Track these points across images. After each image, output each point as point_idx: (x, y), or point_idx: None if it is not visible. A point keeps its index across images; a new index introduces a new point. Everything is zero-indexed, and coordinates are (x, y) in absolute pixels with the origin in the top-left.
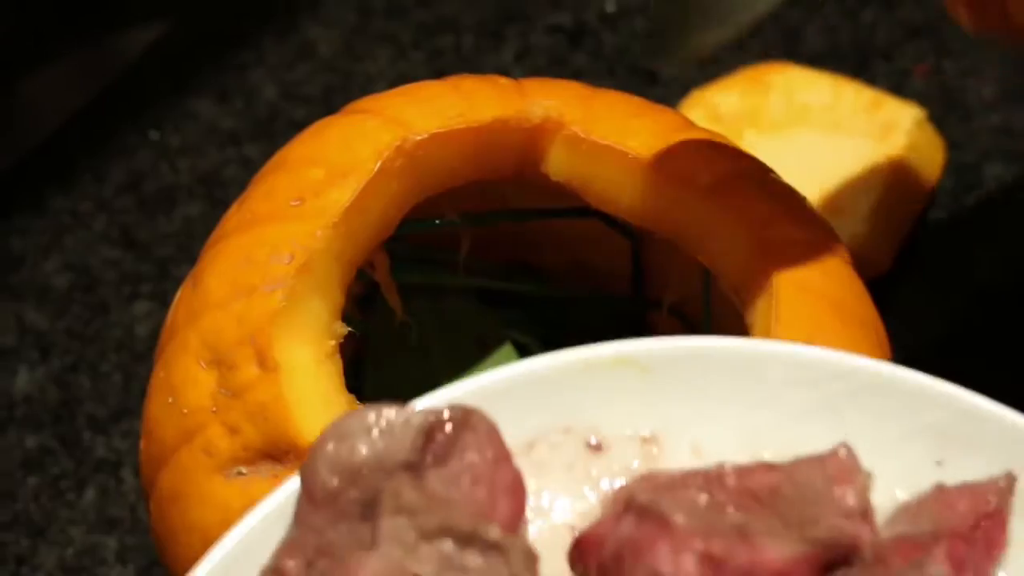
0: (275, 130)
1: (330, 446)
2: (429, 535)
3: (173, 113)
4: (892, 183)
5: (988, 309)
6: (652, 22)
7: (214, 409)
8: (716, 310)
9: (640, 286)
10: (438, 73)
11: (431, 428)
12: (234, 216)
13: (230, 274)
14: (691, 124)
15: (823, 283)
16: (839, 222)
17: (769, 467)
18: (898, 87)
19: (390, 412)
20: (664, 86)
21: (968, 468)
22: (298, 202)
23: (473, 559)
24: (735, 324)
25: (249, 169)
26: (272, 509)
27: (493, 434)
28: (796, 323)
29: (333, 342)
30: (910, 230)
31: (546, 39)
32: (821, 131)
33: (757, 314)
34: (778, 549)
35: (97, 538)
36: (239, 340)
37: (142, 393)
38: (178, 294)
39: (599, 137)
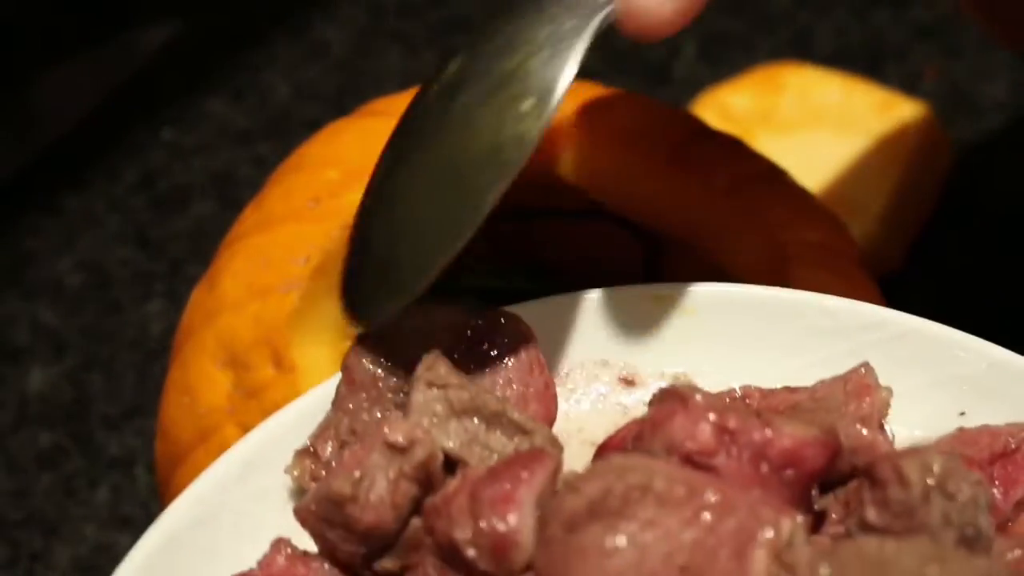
0: (288, 129)
1: (375, 336)
2: (459, 411)
3: (186, 112)
4: (903, 183)
5: (998, 307)
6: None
7: (230, 410)
8: None
9: None
10: None
11: (473, 328)
12: (250, 216)
13: (246, 275)
14: (705, 126)
15: (837, 285)
16: (850, 221)
17: (792, 390)
18: (909, 87)
19: (435, 311)
20: (675, 86)
21: (990, 417)
22: (314, 203)
23: (498, 439)
24: None
25: (262, 168)
26: (310, 402)
27: (530, 341)
28: None
29: (349, 343)
30: (921, 229)
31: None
32: (832, 131)
33: None
34: (791, 429)
35: (110, 536)
36: (255, 341)
37: (155, 391)
38: (193, 295)
39: (611, 139)
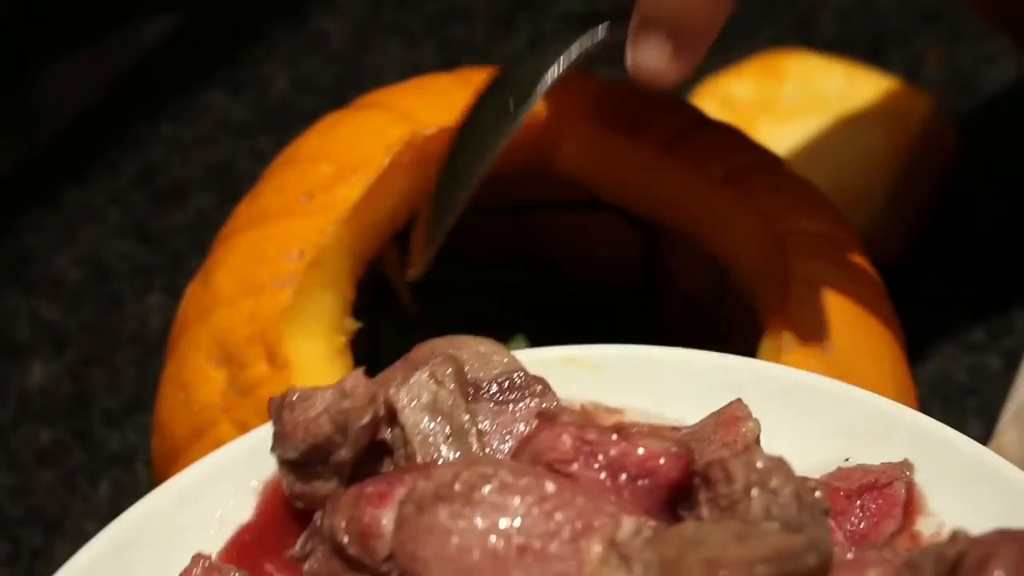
0: (287, 122)
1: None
2: (436, 408)
3: (186, 106)
4: (906, 171)
5: (1004, 298)
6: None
7: (224, 407)
8: (730, 303)
9: (653, 279)
10: (449, 63)
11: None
12: (244, 212)
13: (240, 271)
14: (703, 115)
15: (837, 276)
16: (853, 211)
17: (676, 428)
18: (912, 73)
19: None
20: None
21: (871, 460)
22: (307, 198)
23: (448, 448)
24: (749, 317)
25: (261, 161)
26: (248, 442)
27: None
28: (810, 315)
29: (343, 338)
30: (925, 219)
31: (557, 28)
32: (835, 119)
33: (771, 308)
34: (646, 443)
35: None
36: (249, 337)
37: (156, 386)
38: (188, 290)
39: (608, 130)
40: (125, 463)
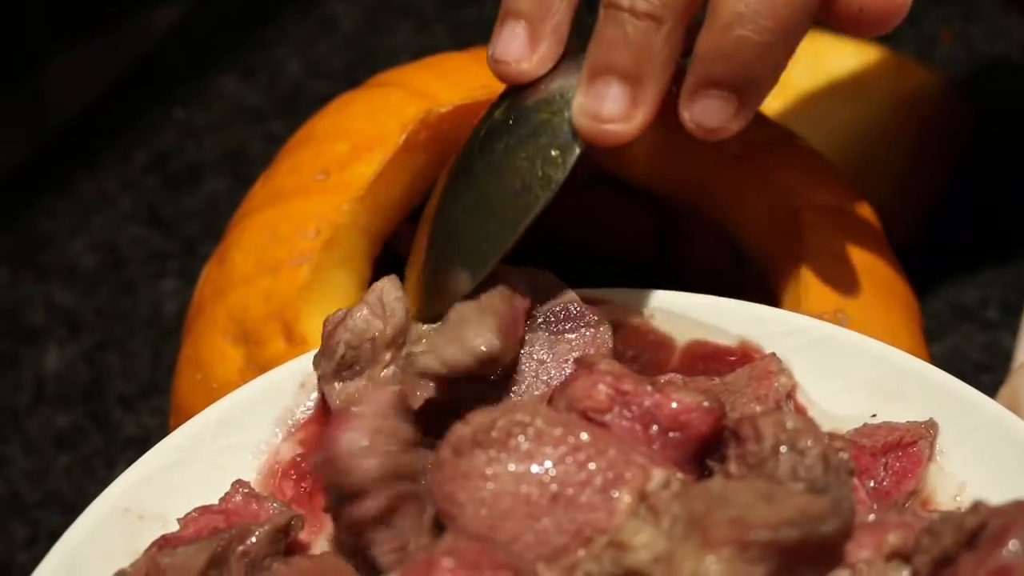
0: (299, 106)
1: None
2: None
3: (197, 91)
4: (918, 150)
5: (1018, 276)
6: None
7: (242, 385)
8: (745, 278)
9: (667, 256)
10: (461, 45)
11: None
12: (259, 192)
13: (256, 250)
14: None
15: (852, 250)
16: (866, 190)
17: (710, 379)
18: (924, 52)
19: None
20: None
21: (897, 418)
22: (323, 176)
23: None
24: (763, 293)
25: (274, 145)
26: (279, 376)
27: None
28: (825, 290)
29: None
30: (938, 197)
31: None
32: (846, 98)
33: (786, 282)
34: (679, 395)
35: None
36: (266, 315)
37: (170, 370)
38: (204, 271)
39: None
40: (141, 446)
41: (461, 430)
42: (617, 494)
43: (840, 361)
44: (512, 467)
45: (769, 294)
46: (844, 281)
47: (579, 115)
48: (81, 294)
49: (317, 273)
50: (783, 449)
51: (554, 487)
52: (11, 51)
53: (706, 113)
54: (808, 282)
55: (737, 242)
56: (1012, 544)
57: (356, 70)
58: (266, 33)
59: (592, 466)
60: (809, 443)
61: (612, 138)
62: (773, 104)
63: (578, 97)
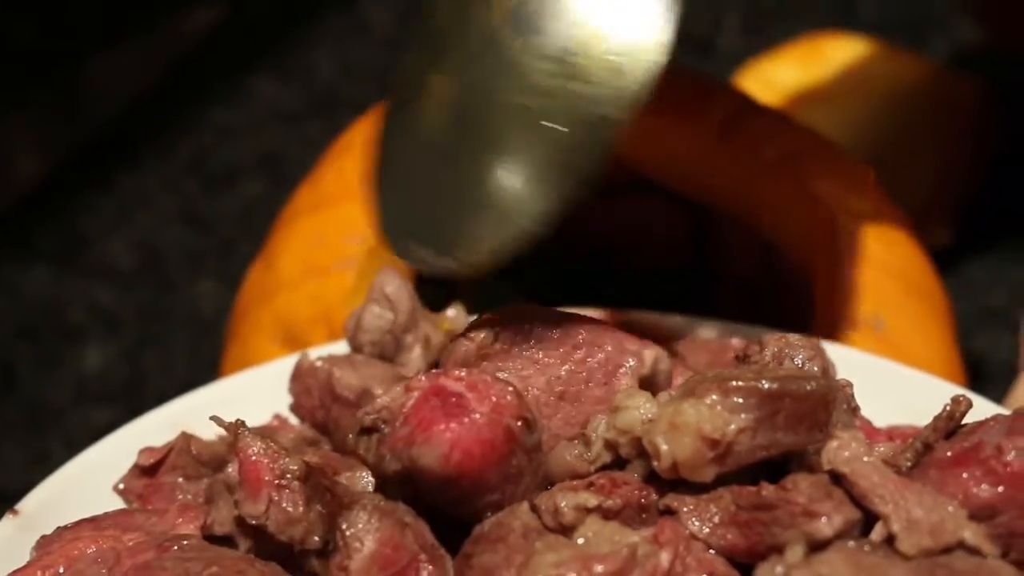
0: (335, 108)
1: None
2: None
3: (234, 93)
4: (950, 154)
5: None
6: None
7: None
8: (780, 285)
9: (704, 263)
10: None
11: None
12: (304, 196)
13: (302, 254)
14: (753, 101)
15: (887, 256)
16: (899, 194)
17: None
18: (955, 57)
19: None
20: (719, 58)
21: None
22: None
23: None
24: (799, 300)
25: (309, 147)
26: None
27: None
28: (861, 296)
29: None
30: (970, 201)
31: None
32: (876, 104)
33: (822, 287)
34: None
35: None
36: (312, 319)
37: (208, 368)
38: (249, 274)
39: (660, 114)
40: None
41: (464, 346)
42: (617, 382)
43: (874, 388)
44: (518, 372)
45: (804, 301)
46: (880, 286)
47: None
48: (121, 293)
49: (363, 279)
50: (785, 359)
51: (559, 386)
52: (52, 52)
53: None
54: (844, 287)
55: (774, 248)
56: (981, 434)
57: (391, 73)
58: (302, 36)
59: (592, 361)
60: (811, 355)
61: None
62: (809, 112)
63: None
